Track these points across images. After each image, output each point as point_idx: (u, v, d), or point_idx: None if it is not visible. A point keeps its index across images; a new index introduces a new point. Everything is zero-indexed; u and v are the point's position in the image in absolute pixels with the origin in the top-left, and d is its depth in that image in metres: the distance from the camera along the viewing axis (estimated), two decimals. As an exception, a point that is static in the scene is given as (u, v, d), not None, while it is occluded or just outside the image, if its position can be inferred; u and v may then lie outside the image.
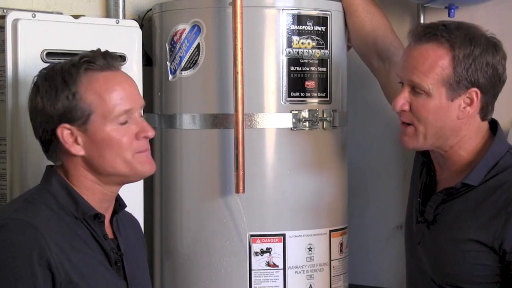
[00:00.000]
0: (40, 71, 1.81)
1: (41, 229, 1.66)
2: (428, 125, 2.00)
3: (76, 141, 1.76)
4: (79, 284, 1.68)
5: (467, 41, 1.97)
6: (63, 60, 1.82)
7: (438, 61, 1.97)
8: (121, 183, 1.83)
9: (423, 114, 2.00)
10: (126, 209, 1.94)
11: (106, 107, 1.75)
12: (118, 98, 1.76)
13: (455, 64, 1.97)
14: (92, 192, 1.79)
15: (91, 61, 1.76)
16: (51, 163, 1.84)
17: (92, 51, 1.80)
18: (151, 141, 2.48)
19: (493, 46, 2.00)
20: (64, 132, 1.75)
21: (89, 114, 1.74)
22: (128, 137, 1.77)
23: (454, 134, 2.02)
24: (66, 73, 1.75)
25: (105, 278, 1.76)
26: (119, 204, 1.89)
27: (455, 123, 2.00)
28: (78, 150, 1.76)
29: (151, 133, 1.82)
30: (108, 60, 1.78)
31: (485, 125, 2.06)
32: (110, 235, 1.83)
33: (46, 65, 1.85)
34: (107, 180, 1.80)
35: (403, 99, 2.02)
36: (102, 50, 1.81)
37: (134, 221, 2.04)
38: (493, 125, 2.08)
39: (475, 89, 1.98)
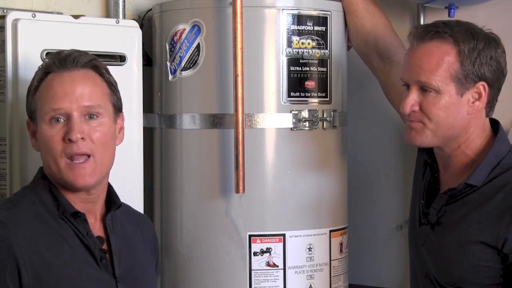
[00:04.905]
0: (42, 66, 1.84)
1: (12, 227, 1.70)
2: (439, 123, 1.99)
3: (35, 136, 1.82)
4: (49, 281, 1.70)
5: (469, 35, 1.98)
6: None
7: (444, 57, 1.97)
8: (74, 190, 1.80)
9: (434, 112, 1.98)
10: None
11: (41, 105, 1.79)
12: (49, 96, 1.78)
13: (461, 59, 1.97)
14: (70, 193, 1.81)
15: (47, 66, 1.81)
16: None
17: (58, 53, 1.83)
18: (152, 140, 2.51)
19: (493, 40, 2.01)
20: (27, 125, 1.84)
21: (34, 111, 1.80)
22: (56, 138, 1.76)
23: (463, 131, 2.01)
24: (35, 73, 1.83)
25: (88, 275, 1.76)
26: (114, 203, 1.89)
27: (465, 119, 2.00)
28: (34, 144, 1.83)
29: (74, 136, 1.74)
30: (66, 61, 1.79)
31: (487, 123, 2.06)
32: (100, 233, 1.84)
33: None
34: (62, 185, 1.80)
35: (412, 101, 1.99)
36: (72, 51, 1.83)
37: (143, 220, 2.05)
38: (494, 125, 2.08)
39: (482, 82, 1.99)
